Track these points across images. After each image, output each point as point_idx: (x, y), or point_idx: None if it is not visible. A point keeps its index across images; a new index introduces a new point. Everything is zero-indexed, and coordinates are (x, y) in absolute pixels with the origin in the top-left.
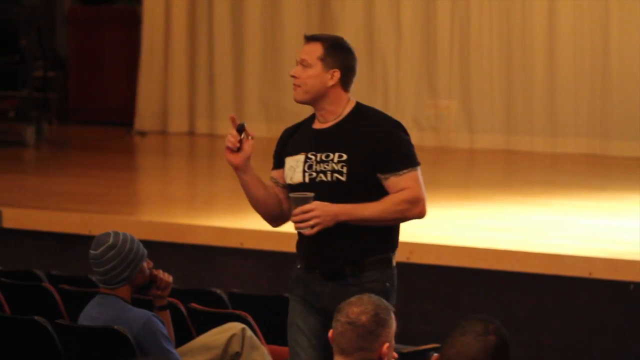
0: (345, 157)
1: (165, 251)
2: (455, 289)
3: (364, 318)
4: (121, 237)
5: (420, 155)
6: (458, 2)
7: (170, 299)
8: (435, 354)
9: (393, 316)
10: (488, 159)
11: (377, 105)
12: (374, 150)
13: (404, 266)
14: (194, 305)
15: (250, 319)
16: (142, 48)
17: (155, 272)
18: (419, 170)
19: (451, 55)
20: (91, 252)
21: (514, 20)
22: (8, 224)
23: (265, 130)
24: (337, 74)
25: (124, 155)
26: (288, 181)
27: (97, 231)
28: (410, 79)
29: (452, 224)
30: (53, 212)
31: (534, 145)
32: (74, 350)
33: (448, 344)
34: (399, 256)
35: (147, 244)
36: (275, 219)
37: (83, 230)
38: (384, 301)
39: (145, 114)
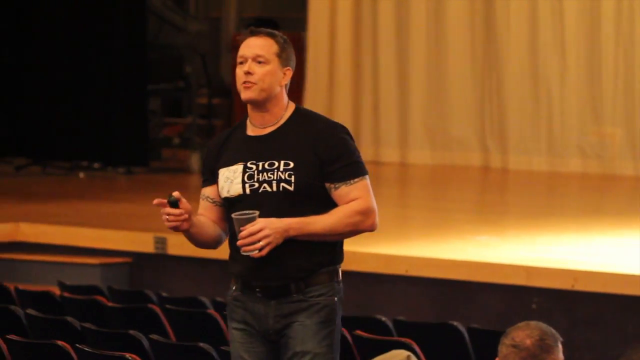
0: (292, 164)
1: None
2: (620, 317)
3: (528, 342)
4: None
5: (583, 183)
6: (622, 29)
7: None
8: None
9: (560, 345)
10: None
11: (542, 131)
12: (323, 158)
13: (567, 294)
14: (359, 332)
15: (415, 346)
16: (306, 75)
17: None
18: (368, 179)
19: (615, 82)
20: None
21: None
22: (173, 250)
23: (430, 158)
24: (289, 73)
25: None
26: (224, 194)
27: None
28: (574, 105)
29: (617, 252)
30: None
31: None
32: None
33: None
34: (562, 282)
35: None
36: (218, 243)
37: None
38: (552, 329)
39: None
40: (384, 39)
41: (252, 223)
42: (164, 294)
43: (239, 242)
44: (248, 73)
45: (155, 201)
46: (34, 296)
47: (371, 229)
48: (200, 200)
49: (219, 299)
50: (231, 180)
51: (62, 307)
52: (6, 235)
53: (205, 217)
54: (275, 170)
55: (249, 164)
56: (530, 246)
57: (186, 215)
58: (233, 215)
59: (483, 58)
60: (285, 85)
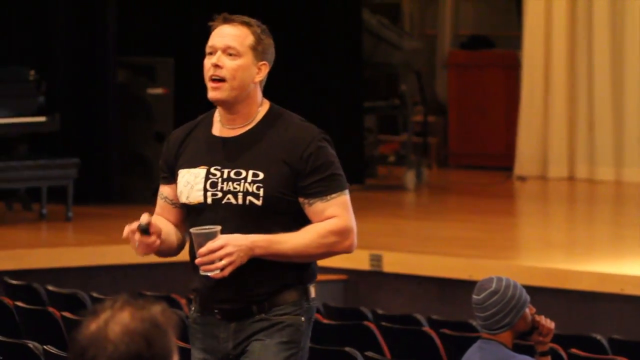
0: (261, 176)
1: (546, 297)
2: None
3: None
4: (504, 282)
5: None
6: None
7: (552, 344)
8: None
9: None
10: None
11: None
12: (297, 169)
13: None
14: (574, 350)
15: None
16: (521, 92)
17: (537, 318)
18: (347, 195)
19: None
20: (474, 297)
21: None
22: (388, 268)
23: None
24: (264, 68)
25: (503, 200)
26: (183, 200)
27: (477, 276)
28: None
29: None
30: (433, 256)
31: None
32: None
33: None
34: None
35: (528, 289)
36: (181, 249)
37: (463, 275)
38: None
39: (525, 159)
40: (599, 59)
41: (213, 240)
42: (380, 311)
43: (197, 261)
44: (216, 66)
45: (125, 231)
46: None
47: (348, 250)
48: (158, 199)
49: (434, 316)
50: (192, 185)
51: None
52: None
53: (164, 219)
54: (242, 181)
55: (212, 170)
56: None
57: (158, 242)
58: (192, 230)
59: None
60: (260, 82)
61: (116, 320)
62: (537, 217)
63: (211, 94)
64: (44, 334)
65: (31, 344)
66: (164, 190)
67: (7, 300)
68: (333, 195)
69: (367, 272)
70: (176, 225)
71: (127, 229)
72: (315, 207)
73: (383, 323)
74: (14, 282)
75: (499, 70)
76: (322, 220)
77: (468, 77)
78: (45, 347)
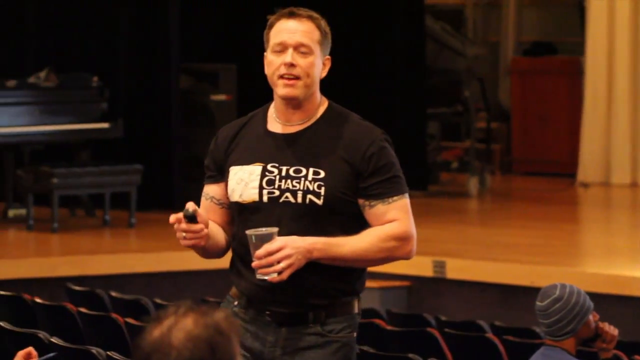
0: (322, 174)
1: (610, 303)
2: None
3: None
4: (567, 289)
5: None
6: None
7: (615, 351)
8: None
9: None
10: None
11: None
12: (359, 169)
13: None
14: (637, 357)
15: None
16: (584, 98)
17: (600, 324)
18: (408, 199)
19: None
20: (537, 303)
21: None
22: (452, 274)
23: None
24: (328, 63)
25: (567, 207)
26: (235, 198)
27: (540, 283)
28: None
29: None
30: (496, 263)
31: None
32: None
33: None
34: None
35: (591, 296)
36: (225, 252)
37: (526, 282)
38: None
39: (588, 165)
40: None
41: (270, 242)
42: (443, 318)
43: (254, 264)
44: (291, 65)
45: (172, 219)
46: None
47: (407, 257)
48: (203, 199)
49: (497, 323)
50: (245, 182)
51: None
52: None
53: (211, 221)
54: (302, 179)
55: (269, 167)
56: None
57: (206, 231)
58: (248, 232)
59: None
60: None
61: (180, 327)
62: (600, 224)
63: (285, 91)
64: (107, 340)
65: (94, 350)
66: (210, 189)
67: (70, 307)
68: (395, 198)
69: (430, 278)
70: (221, 227)
71: (173, 216)
72: (376, 210)
73: (446, 329)
74: (77, 288)
75: (562, 77)
76: (382, 224)
77: (531, 83)
78: (108, 353)
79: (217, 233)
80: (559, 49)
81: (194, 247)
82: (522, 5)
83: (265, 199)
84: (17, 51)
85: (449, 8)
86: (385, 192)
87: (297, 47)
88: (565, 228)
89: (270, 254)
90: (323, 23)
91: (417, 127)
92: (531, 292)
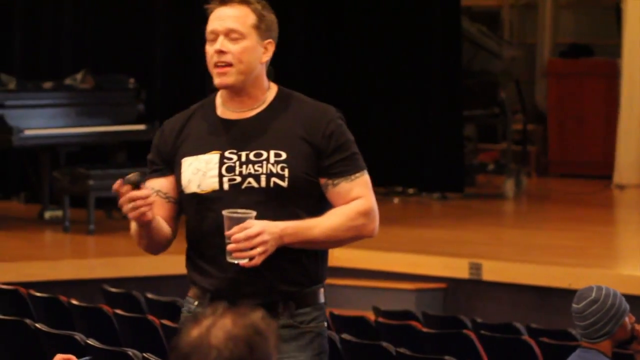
0: (284, 155)
1: None
2: None
3: None
4: (604, 291)
5: None
6: None
7: None
8: None
9: None
10: None
11: None
12: (319, 148)
13: None
14: None
15: None
16: (621, 101)
17: (637, 327)
18: (367, 174)
19: None
20: (573, 305)
21: None
22: (488, 276)
23: None
24: (271, 47)
25: (602, 209)
26: (193, 189)
27: (576, 285)
28: None
29: None
30: (533, 265)
31: None
32: None
33: None
34: None
35: (627, 298)
36: (165, 248)
37: (562, 284)
38: None
39: (624, 168)
40: None
41: (247, 225)
42: (479, 320)
43: (231, 247)
44: (221, 52)
45: (115, 185)
46: (349, 321)
47: (372, 234)
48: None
49: (533, 325)
50: (203, 172)
51: (377, 332)
52: None
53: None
54: (264, 162)
55: (227, 154)
56: None
57: (154, 198)
58: (225, 213)
59: None
60: (267, 61)
61: (218, 327)
62: (636, 226)
63: (218, 80)
64: (144, 342)
65: (130, 351)
66: (156, 183)
67: (106, 308)
68: (357, 175)
69: (466, 280)
70: (166, 222)
71: (117, 183)
72: (340, 188)
73: (482, 331)
74: (113, 290)
75: (599, 79)
76: (347, 202)
77: (567, 85)
78: (144, 354)
79: (162, 223)
80: (595, 51)
81: (141, 224)
82: (559, 7)
83: (226, 186)
84: (54, 53)
85: (485, 10)
86: (347, 169)
87: (227, 34)
88: (601, 230)
89: (249, 238)
90: (260, 6)
91: (454, 129)
92: (567, 294)
